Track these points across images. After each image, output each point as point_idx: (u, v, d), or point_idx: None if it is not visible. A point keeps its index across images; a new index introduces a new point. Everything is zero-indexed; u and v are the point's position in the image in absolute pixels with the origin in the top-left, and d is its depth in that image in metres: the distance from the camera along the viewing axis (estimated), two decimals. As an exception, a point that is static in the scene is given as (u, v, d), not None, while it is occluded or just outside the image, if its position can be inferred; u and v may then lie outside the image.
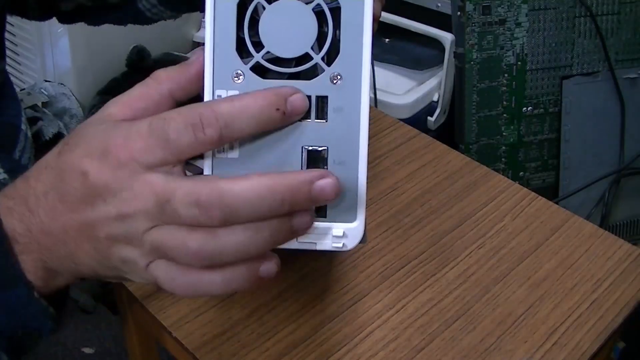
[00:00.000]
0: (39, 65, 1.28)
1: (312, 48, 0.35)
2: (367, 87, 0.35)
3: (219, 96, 0.35)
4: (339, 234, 0.36)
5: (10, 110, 0.64)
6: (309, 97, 0.35)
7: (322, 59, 0.35)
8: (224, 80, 0.35)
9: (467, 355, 0.50)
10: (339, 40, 0.35)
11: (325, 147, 0.36)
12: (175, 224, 0.33)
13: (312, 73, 0.35)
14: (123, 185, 0.33)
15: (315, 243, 0.37)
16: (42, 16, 0.67)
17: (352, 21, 0.35)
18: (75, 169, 0.34)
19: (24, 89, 1.24)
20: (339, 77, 0.35)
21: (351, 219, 0.36)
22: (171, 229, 0.33)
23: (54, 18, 0.68)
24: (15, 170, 0.37)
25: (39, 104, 1.19)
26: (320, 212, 0.36)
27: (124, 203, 0.33)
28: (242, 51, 0.35)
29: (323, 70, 0.35)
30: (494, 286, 0.55)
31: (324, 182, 0.33)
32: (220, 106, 0.33)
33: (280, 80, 0.35)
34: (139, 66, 1.28)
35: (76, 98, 1.25)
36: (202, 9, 0.35)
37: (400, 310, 0.53)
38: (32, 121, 1.14)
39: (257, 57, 0.35)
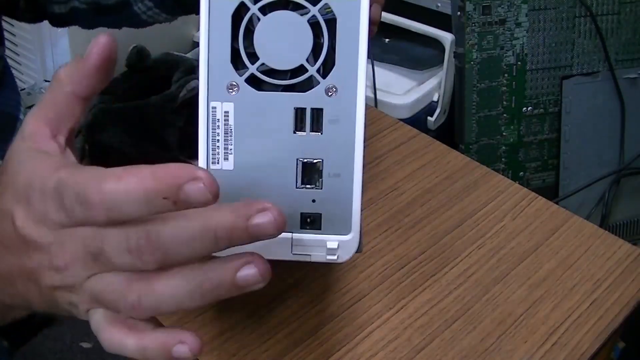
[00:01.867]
0: (39, 65, 1.28)
1: (307, 60, 0.35)
2: (363, 98, 0.35)
3: (214, 108, 0.35)
4: (334, 246, 0.36)
5: (9, 100, 0.63)
6: (304, 109, 0.35)
7: (318, 71, 0.35)
8: (219, 92, 0.35)
9: (467, 355, 0.50)
10: (335, 51, 0.35)
11: (320, 159, 0.36)
12: (113, 271, 0.32)
13: (307, 85, 0.35)
14: (49, 239, 0.32)
15: (310, 255, 0.37)
16: (33, 19, 0.66)
17: (348, 33, 0.35)
18: (6, 214, 0.33)
19: (24, 89, 1.25)
20: (334, 89, 0.35)
21: (346, 232, 0.36)
22: (109, 279, 0.32)
23: (46, 21, 0.68)
24: None
25: (39, 104, 1.19)
26: (315, 224, 0.36)
27: (54, 256, 0.32)
28: (237, 62, 0.35)
29: (318, 82, 0.35)
30: (494, 286, 0.55)
31: (262, 217, 0.30)
32: (106, 185, 0.30)
33: (275, 92, 0.35)
34: (139, 66, 1.28)
35: (76, 98, 1.25)
36: (198, 12, 0.35)
37: (400, 310, 0.53)
38: (32, 121, 1.14)
39: (252, 68, 0.35)
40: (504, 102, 1.20)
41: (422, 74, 1.29)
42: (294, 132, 0.35)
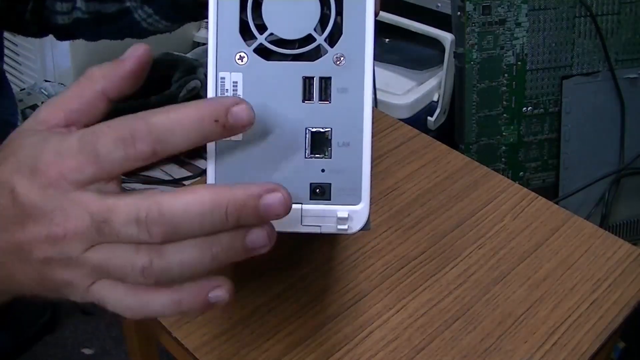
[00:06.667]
0: (39, 65, 1.28)
1: (315, 29, 0.35)
2: (371, 67, 0.35)
3: (223, 78, 0.35)
4: (344, 216, 0.36)
5: (7, 108, 0.64)
6: (312, 78, 0.35)
7: (325, 40, 0.35)
8: (227, 62, 0.35)
9: (467, 355, 0.50)
10: (342, 21, 0.35)
11: (329, 129, 0.36)
12: (116, 242, 0.31)
13: (316, 54, 0.36)
14: (53, 206, 0.31)
15: (320, 226, 0.37)
16: (39, 32, 0.67)
17: (355, 2, 0.35)
18: (5, 186, 0.32)
19: (24, 89, 1.25)
20: (342, 58, 0.35)
21: (356, 201, 0.36)
22: (113, 248, 0.31)
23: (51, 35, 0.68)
24: None
25: (39, 104, 1.19)
26: (325, 195, 0.36)
27: (55, 225, 0.31)
28: (246, 34, 0.35)
29: (326, 52, 0.35)
30: (494, 286, 0.55)
31: (272, 197, 0.31)
32: (155, 118, 0.31)
33: (284, 62, 0.35)
34: (139, 66, 1.28)
35: (76, 98, 1.25)
36: (197, 19, 0.36)
37: (400, 310, 0.53)
38: (32, 121, 1.14)
39: (261, 39, 0.35)
40: (504, 102, 1.20)
41: (422, 74, 1.29)
42: (303, 102, 0.35)
